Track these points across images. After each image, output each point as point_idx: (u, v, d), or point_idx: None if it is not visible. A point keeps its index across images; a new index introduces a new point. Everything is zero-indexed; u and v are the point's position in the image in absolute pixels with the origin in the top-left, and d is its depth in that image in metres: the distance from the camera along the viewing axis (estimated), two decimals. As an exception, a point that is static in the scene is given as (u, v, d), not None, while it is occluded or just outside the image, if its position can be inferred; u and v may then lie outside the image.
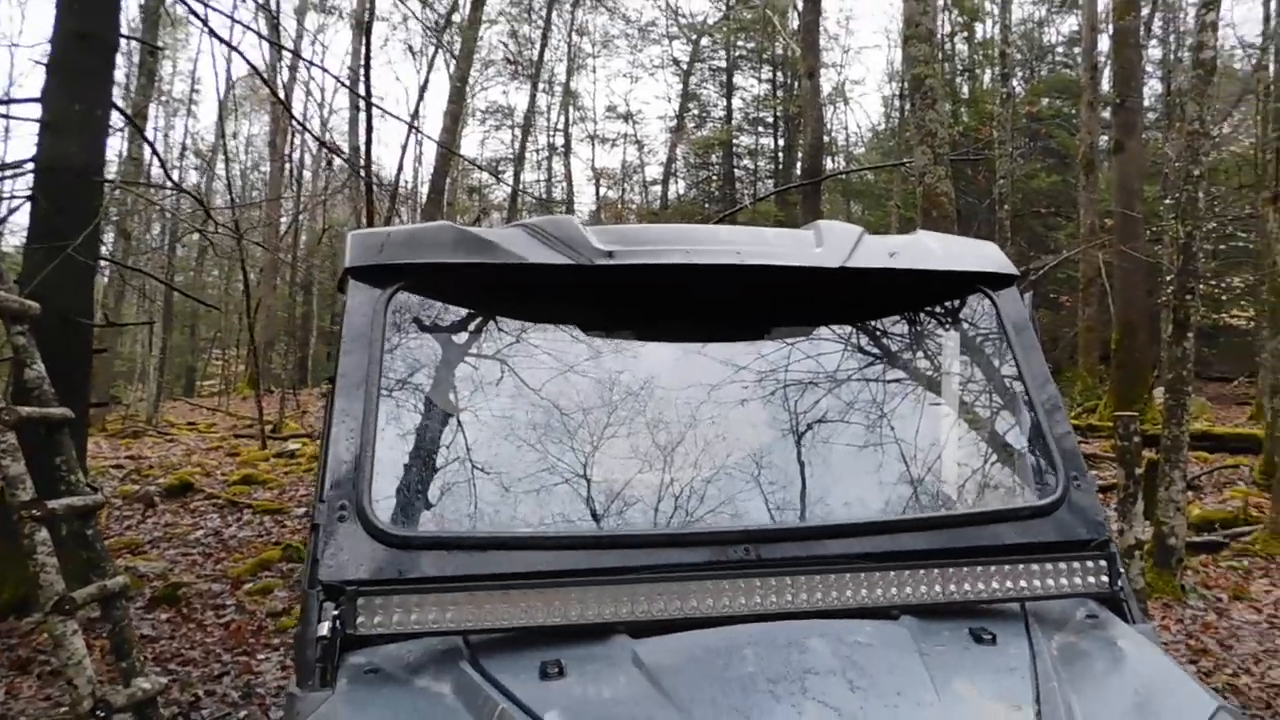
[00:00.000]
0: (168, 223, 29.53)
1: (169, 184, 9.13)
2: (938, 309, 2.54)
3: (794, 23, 28.19)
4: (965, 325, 2.51)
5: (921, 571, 1.92)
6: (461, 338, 2.30)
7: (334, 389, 2.05)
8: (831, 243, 2.37)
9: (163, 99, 29.01)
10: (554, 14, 27.91)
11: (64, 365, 5.16)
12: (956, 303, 2.50)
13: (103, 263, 7.64)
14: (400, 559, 1.84)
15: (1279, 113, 10.27)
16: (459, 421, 2.18)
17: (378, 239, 2.25)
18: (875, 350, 2.55)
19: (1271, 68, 13.09)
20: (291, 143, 21.69)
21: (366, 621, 1.73)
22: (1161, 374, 15.97)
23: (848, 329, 2.52)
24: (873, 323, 2.55)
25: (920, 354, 2.57)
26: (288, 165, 29.46)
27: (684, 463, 2.19)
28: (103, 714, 3.40)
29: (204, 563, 7.72)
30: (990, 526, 2.11)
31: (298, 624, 2.04)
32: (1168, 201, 16.60)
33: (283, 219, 26.04)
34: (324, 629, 1.73)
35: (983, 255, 2.53)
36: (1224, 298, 16.96)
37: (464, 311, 2.31)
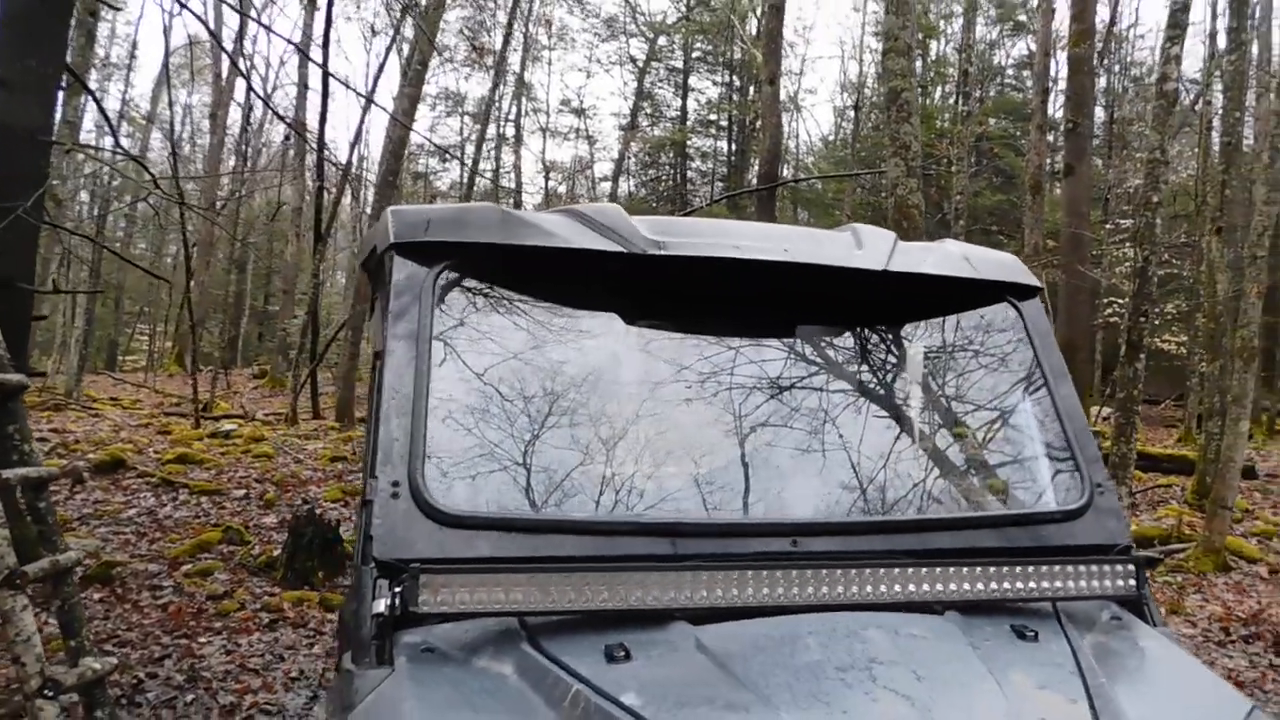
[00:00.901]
0: (100, 189, 28.47)
1: (118, 150, 8.76)
2: (968, 316, 2.60)
3: (753, 28, 28.42)
4: (994, 334, 2.58)
5: (965, 569, 1.98)
6: (511, 319, 2.28)
7: (382, 365, 2.03)
8: (871, 246, 2.42)
9: (96, 62, 27.93)
10: (519, 2, 27.57)
11: (5, 332, 4.91)
12: (985, 311, 2.57)
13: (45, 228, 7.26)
14: (457, 538, 1.83)
15: (1225, 146, 10.69)
16: (511, 403, 2.17)
17: (423, 216, 2.23)
18: (911, 353, 2.62)
19: (1217, 102, 13.62)
20: (247, 116, 21.03)
21: (429, 599, 1.71)
22: (1097, 393, 16.53)
23: (887, 330, 2.60)
24: (909, 325, 2.63)
25: (952, 360, 2.64)
26: (228, 137, 28.59)
27: (733, 454, 2.24)
28: (51, 693, 3.24)
29: (138, 542, 7.43)
30: (1022, 528, 2.19)
31: (347, 599, 2.01)
32: (1109, 226, 17.17)
33: (220, 193, 25.22)
34: (380, 606, 1.71)
35: (1008, 266, 2.61)
36: (1156, 322, 17.61)
37: (513, 293, 2.29)
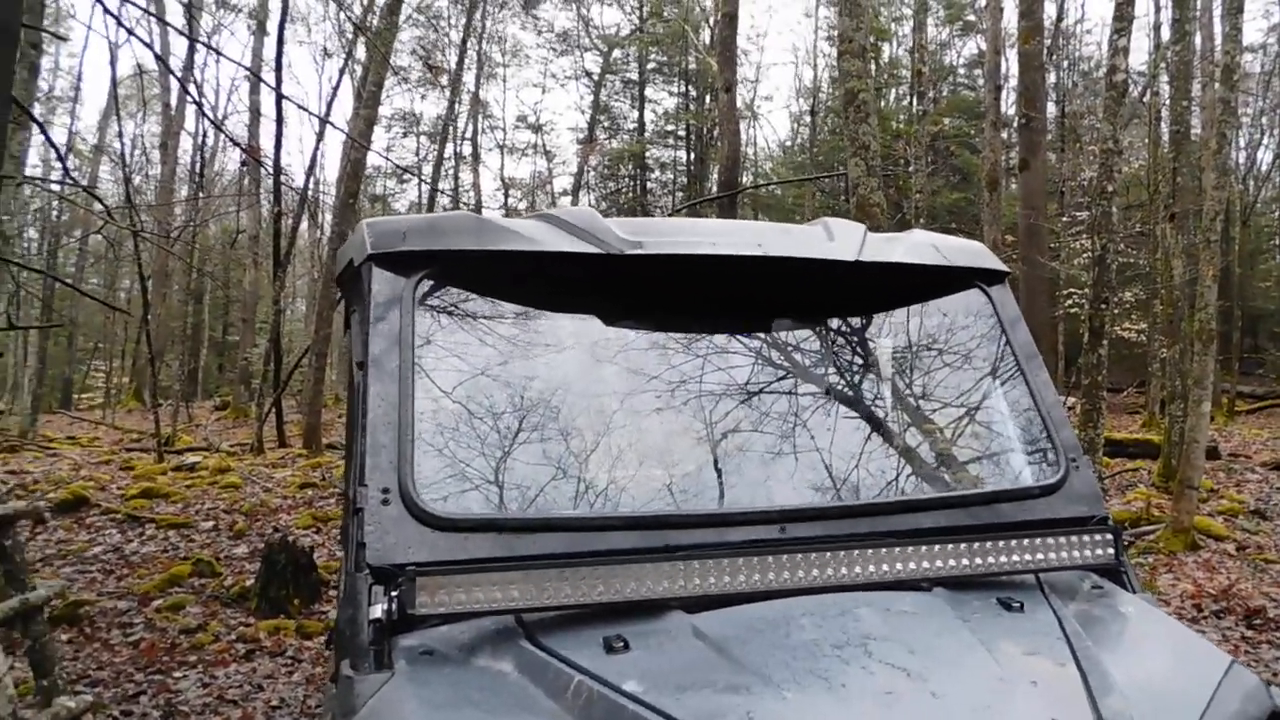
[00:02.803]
0: (49, 225, 27.93)
1: (68, 180, 8.59)
2: (939, 303, 2.65)
3: (706, 37, 28.59)
4: (965, 319, 2.64)
5: (949, 546, 2.03)
6: (491, 324, 2.29)
7: (364, 376, 2.04)
8: (842, 237, 2.49)
9: (40, 96, 27.40)
10: (473, 20, 27.54)
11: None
12: (956, 297, 2.63)
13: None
14: (450, 541, 1.85)
15: (1174, 135, 10.93)
16: (496, 407, 2.19)
17: (399, 226, 2.25)
18: (886, 340, 2.68)
19: (1164, 92, 13.93)
20: (200, 145, 20.72)
21: (427, 602, 1.72)
22: (1061, 383, 16.80)
23: (861, 319, 2.66)
24: (882, 313, 2.68)
25: (926, 345, 2.69)
26: (180, 167, 28.14)
27: (718, 447, 2.27)
28: (24, 737, 3.14)
29: (104, 580, 7.25)
30: (1002, 505, 2.25)
31: (340, 607, 2.01)
32: (1064, 219, 17.46)
33: (174, 223, 24.78)
34: (377, 611, 1.72)
35: (977, 253, 2.69)
36: (1115, 311, 17.95)
37: (492, 298, 2.30)
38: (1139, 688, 1.68)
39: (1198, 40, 12.98)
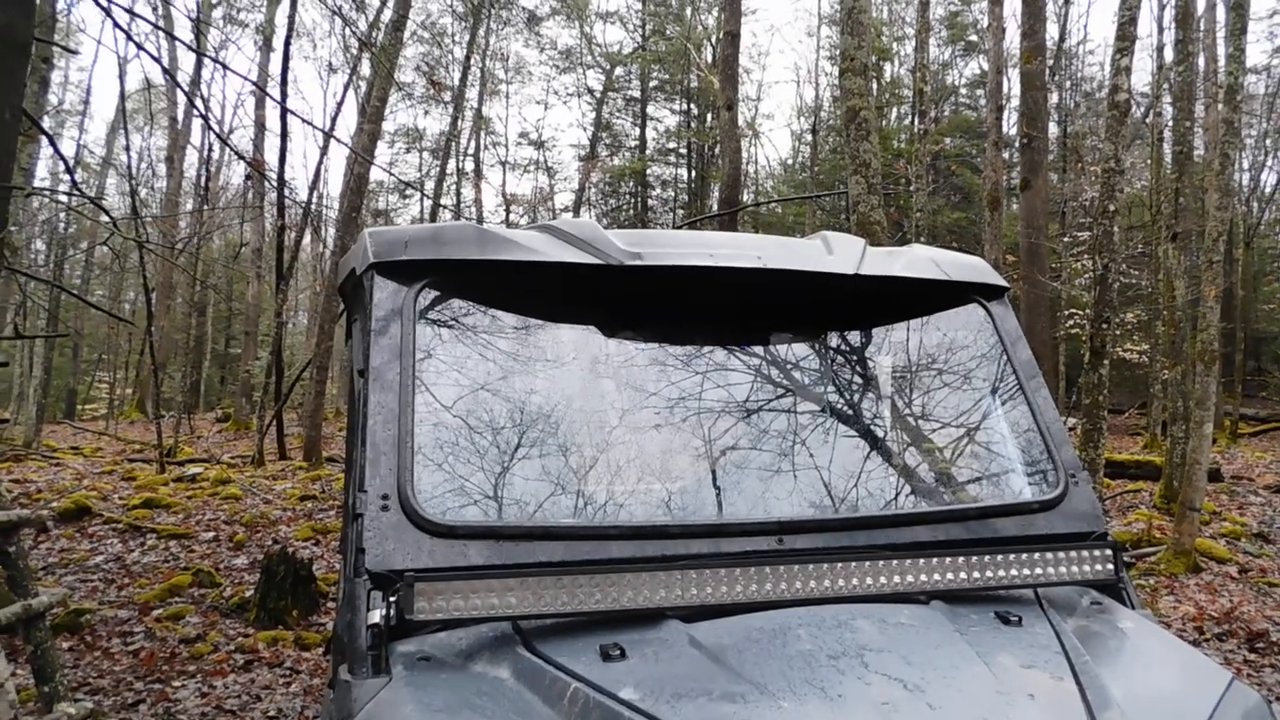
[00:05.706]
0: (56, 236, 28.06)
1: (75, 192, 8.66)
2: (938, 317, 2.66)
3: (709, 56, 28.79)
4: (964, 333, 2.64)
5: (948, 560, 2.03)
6: (492, 334, 2.31)
7: (365, 383, 2.05)
8: (841, 251, 2.50)
9: (49, 109, 27.59)
10: (476, 37, 27.76)
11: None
12: (955, 311, 2.63)
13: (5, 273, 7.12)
14: (448, 548, 1.85)
15: (1177, 155, 10.98)
16: (496, 415, 2.20)
17: (401, 236, 2.26)
18: (885, 354, 2.69)
19: (1167, 113, 14.01)
20: (206, 159, 20.89)
21: (425, 607, 1.72)
22: (1062, 404, 16.81)
23: (859, 333, 2.67)
24: (881, 327, 2.68)
25: (925, 359, 2.69)
26: (186, 180, 28.33)
27: (716, 459, 2.28)
28: (24, 744, 3.15)
29: (106, 589, 7.26)
30: (1001, 520, 2.25)
31: (339, 613, 2.02)
32: (1066, 239, 17.53)
33: (179, 236, 24.89)
34: (375, 616, 1.73)
35: (976, 268, 2.69)
36: (1117, 332, 17.97)
37: (493, 308, 2.32)
38: (1138, 703, 1.67)
39: (1201, 61, 13.12)
